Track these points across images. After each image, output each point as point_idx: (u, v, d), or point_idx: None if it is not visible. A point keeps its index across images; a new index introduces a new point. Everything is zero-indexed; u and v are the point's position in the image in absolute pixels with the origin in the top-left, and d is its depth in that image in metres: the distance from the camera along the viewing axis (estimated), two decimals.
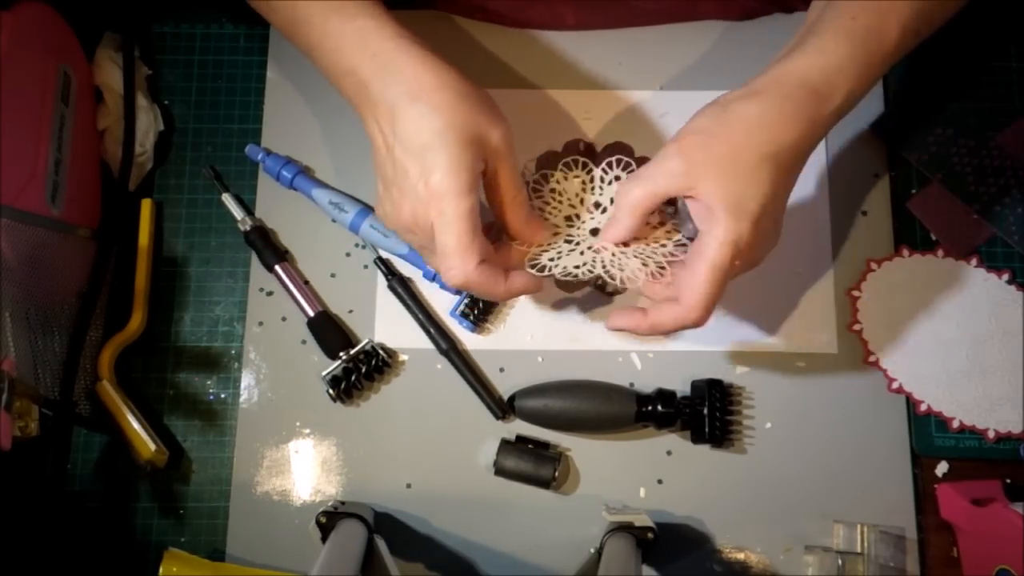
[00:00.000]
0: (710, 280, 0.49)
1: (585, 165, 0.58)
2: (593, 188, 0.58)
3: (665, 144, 0.51)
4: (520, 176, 0.53)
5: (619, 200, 0.53)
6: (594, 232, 0.56)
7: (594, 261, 0.54)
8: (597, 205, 0.57)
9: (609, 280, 0.53)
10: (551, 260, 0.55)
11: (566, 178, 0.58)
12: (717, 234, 0.48)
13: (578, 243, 0.56)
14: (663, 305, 0.52)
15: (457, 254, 0.50)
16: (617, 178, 0.57)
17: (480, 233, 0.50)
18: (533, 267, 0.54)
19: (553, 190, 0.58)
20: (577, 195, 0.58)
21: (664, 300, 0.53)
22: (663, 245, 0.55)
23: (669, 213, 0.56)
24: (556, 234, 0.57)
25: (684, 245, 0.54)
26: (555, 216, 0.57)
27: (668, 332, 0.53)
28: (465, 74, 0.52)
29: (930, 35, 0.53)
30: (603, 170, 0.58)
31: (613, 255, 0.54)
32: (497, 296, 0.53)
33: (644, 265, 0.54)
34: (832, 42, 0.50)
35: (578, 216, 0.57)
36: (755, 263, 0.52)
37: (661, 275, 0.53)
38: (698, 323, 0.50)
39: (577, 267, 0.54)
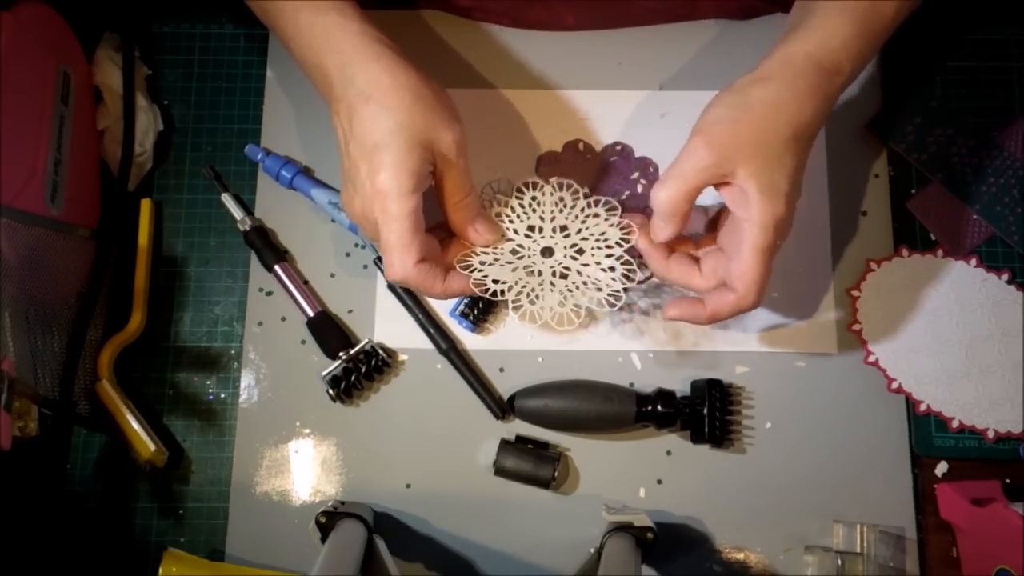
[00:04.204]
0: (760, 263, 0.51)
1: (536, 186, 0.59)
2: (569, 211, 0.58)
3: (689, 138, 0.52)
4: (469, 178, 0.54)
5: (656, 205, 0.53)
6: (545, 252, 0.57)
7: (549, 288, 0.55)
8: (563, 228, 0.58)
9: (588, 307, 0.55)
10: (481, 263, 0.56)
11: (543, 192, 0.59)
12: (758, 218, 0.50)
13: (522, 257, 0.57)
14: (719, 294, 0.53)
15: (397, 251, 0.52)
16: (587, 207, 0.58)
17: (421, 232, 0.52)
18: (464, 268, 0.55)
19: (535, 199, 0.59)
20: (550, 211, 0.58)
21: (715, 288, 0.54)
22: (603, 236, 0.56)
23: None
24: (509, 241, 0.57)
25: (630, 230, 0.56)
26: (517, 223, 0.58)
27: (726, 319, 0.54)
28: (427, 73, 0.53)
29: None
30: (554, 191, 0.59)
31: (570, 275, 0.56)
32: (434, 295, 0.55)
33: (611, 269, 0.55)
34: (833, 21, 0.52)
35: (540, 230, 0.58)
36: (788, 235, 0.53)
37: (632, 278, 0.55)
38: (754, 306, 0.52)
39: (507, 283, 0.55)
